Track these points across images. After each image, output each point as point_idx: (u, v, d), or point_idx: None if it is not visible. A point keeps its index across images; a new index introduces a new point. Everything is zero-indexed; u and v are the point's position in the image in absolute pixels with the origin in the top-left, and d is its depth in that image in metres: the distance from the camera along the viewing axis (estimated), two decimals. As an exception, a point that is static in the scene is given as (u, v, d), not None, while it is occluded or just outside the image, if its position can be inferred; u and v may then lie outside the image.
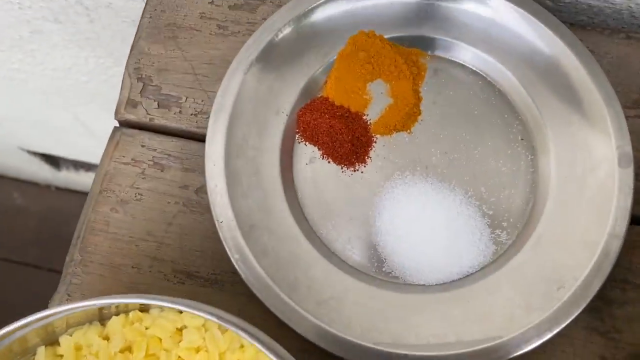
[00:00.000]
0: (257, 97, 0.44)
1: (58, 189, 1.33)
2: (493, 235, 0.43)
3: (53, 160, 1.22)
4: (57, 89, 0.86)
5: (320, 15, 0.46)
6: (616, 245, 0.40)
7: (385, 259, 0.42)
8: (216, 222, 0.41)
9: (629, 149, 0.42)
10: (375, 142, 0.45)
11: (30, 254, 1.28)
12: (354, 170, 0.44)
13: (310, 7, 0.45)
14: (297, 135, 0.45)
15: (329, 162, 0.44)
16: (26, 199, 1.34)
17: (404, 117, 0.45)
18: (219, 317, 0.30)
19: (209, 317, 0.30)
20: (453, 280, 0.42)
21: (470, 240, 0.43)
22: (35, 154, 1.17)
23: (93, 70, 0.79)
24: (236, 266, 0.40)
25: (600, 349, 0.41)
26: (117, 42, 0.70)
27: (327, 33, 0.46)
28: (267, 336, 0.32)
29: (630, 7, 0.48)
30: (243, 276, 0.40)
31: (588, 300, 0.39)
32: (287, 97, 0.45)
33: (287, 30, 0.45)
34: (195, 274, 0.42)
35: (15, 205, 1.33)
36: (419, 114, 0.46)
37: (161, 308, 0.36)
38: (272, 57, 0.45)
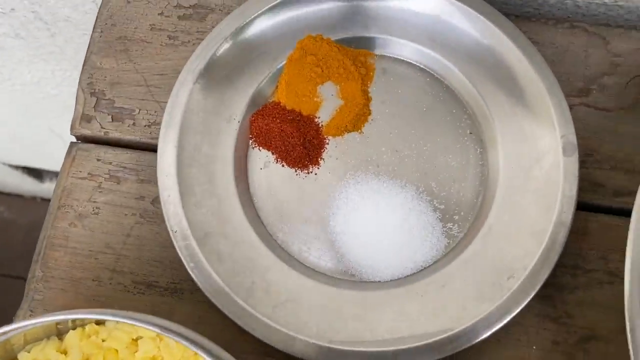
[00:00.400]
0: (207, 106, 0.45)
1: (44, 199, 1.33)
2: (445, 229, 0.44)
3: (35, 173, 1.22)
4: (29, 103, 0.87)
5: (267, 22, 0.46)
6: (563, 233, 0.41)
7: (341, 258, 0.43)
8: (170, 232, 0.41)
9: (572, 137, 0.42)
10: (328, 143, 0.46)
11: (19, 267, 1.29)
12: (308, 173, 0.45)
13: (256, 15, 0.46)
14: (250, 141, 0.46)
15: (283, 165, 0.45)
16: (12, 212, 1.34)
17: (355, 118, 0.46)
18: (163, 329, 0.31)
19: (151, 328, 0.31)
20: (407, 276, 0.42)
21: (423, 235, 0.43)
22: (17, 167, 1.17)
23: (62, 83, 0.79)
24: (192, 274, 0.41)
25: (553, 335, 0.42)
26: (81, 54, 0.71)
27: (275, 39, 0.47)
28: (215, 345, 0.33)
29: (573, -4, 0.48)
30: (199, 284, 0.40)
31: (537, 288, 0.40)
32: (238, 104, 0.45)
33: (234, 39, 0.46)
34: (154, 284, 0.43)
35: (2, 219, 1.33)
36: (369, 113, 0.46)
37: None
38: (220, 66, 0.45)
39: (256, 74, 0.46)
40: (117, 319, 0.31)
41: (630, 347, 0.35)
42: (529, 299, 0.40)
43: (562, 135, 0.42)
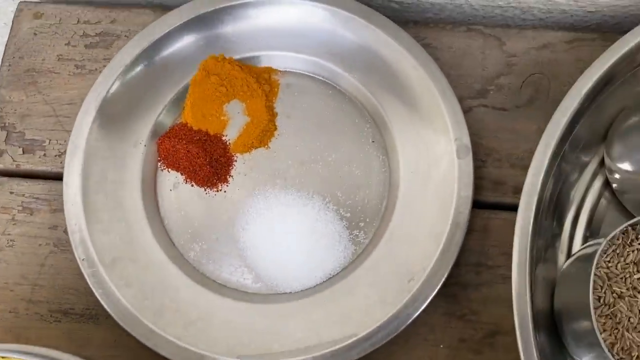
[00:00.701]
0: (112, 133, 0.45)
1: None
2: (352, 236, 0.45)
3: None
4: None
5: (168, 45, 0.47)
6: (460, 234, 0.42)
7: (253, 272, 0.44)
8: (78, 260, 0.42)
9: (466, 140, 0.44)
10: (236, 160, 0.47)
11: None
12: (217, 191, 0.46)
13: (157, 39, 0.47)
14: (159, 164, 0.47)
15: (192, 185, 0.46)
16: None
17: (261, 134, 0.47)
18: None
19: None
20: (317, 285, 0.44)
21: (330, 244, 0.44)
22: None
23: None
24: (100, 300, 0.41)
25: (460, 332, 0.43)
26: None
27: (178, 61, 0.48)
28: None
29: (468, 1, 0.50)
30: (108, 309, 0.41)
31: (436, 289, 0.41)
32: (143, 128, 0.46)
33: (136, 64, 0.46)
34: (70, 312, 0.44)
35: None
36: (275, 129, 0.47)
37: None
38: (124, 92, 0.46)
39: (161, 97, 0.47)
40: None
41: (519, 342, 0.36)
42: (428, 301, 0.41)
43: (455, 138, 0.44)
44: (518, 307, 0.37)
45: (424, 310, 0.42)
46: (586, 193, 0.45)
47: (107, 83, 0.46)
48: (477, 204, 0.45)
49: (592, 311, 0.36)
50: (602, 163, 0.45)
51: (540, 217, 0.41)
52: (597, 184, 0.45)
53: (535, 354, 0.36)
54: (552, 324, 0.41)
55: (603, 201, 0.45)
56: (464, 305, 0.43)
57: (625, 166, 0.44)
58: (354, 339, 0.40)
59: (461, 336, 0.43)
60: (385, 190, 0.46)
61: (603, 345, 0.36)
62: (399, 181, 0.45)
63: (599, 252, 0.37)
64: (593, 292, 0.38)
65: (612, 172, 0.44)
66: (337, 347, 0.40)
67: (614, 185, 0.44)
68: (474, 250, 0.44)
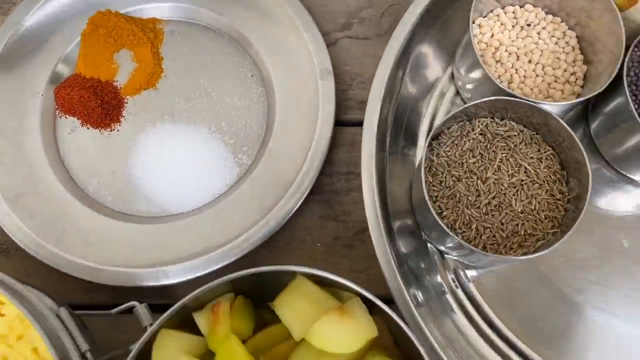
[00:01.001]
0: (10, 85, 0.50)
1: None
2: (236, 159, 0.50)
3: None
4: None
5: (59, 4, 0.52)
6: (324, 144, 0.47)
7: (146, 199, 0.49)
8: (-17, 197, 0.46)
9: (328, 64, 0.49)
10: (127, 102, 0.51)
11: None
12: (111, 130, 0.51)
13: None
14: (57, 111, 0.51)
15: (88, 128, 0.51)
16: None
17: (148, 77, 0.52)
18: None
19: None
20: (206, 204, 0.49)
21: (217, 168, 0.50)
22: None
23: None
24: (6, 231, 0.46)
25: (334, 231, 0.48)
26: None
27: (69, 17, 0.52)
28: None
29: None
30: (12, 237, 0.46)
31: (305, 194, 0.46)
32: (40, 80, 0.51)
33: (31, 22, 0.51)
34: (-18, 248, 0.48)
35: None
36: (162, 71, 0.52)
37: None
38: (19, 47, 0.51)
39: (55, 51, 0.51)
40: None
41: (373, 238, 0.42)
42: (299, 204, 0.46)
43: (318, 63, 0.49)
44: (369, 209, 0.43)
45: (302, 215, 0.48)
46: (439, 105, 0.51)
47: (2, 41, 0.50)
48: (345, 122, 0.51)
49: (425, 191, 0.42)
50: (452, 76, 0.51)
51: (387, 131, 0.47)
52: (450, 94, 0.51)
53: (386, 247, 0.42)
54: (416, 222, 0.47)
55: (455, 109, 0.51)
56: (337, 209, 0.49)
57: (474, 75, 0.49)
58: (236, 240, 0.45)
59: (335, 235, 0.48)
60: (264, 117, 0.51)
61: (437, 218, 0.41)
62: (275, 108, 0.50)
63: (426, 143, 0.43)
64: (434, 178, 0.44)
65: (460, 81, 0.50)
66: (221, 249, 0.45)
67: (464, 95, 0.50)
68: (343, 162, 0.50)
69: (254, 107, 0.51)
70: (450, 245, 0.44)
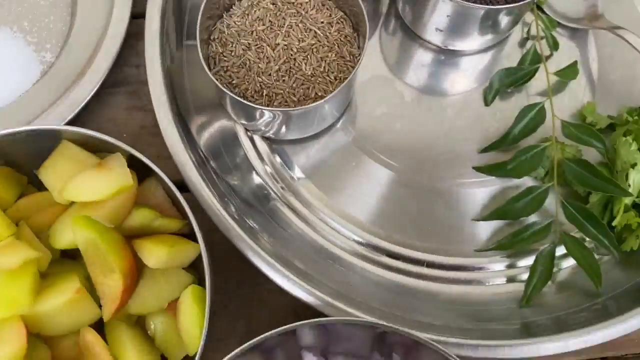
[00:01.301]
0: None
1: None
2: (39, 57, 0.48)
3: None
4: None
5: None
6: (119, 36, 0.47)
7: None
8: None
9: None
10: None
11: None
12: None
13: None
14: None
15: None
16: None
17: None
18: None
19: None
20: (9, 104, 0.47)
21: (19, 66, 0.48)
22: None
23: None
24: None
25: (140, 121, 0.47)
26: None
27: None
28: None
29: None
30: None
31: (101, 80, 0.45)
32: None
33: None
34: None
35: None
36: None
37: None
38: None
39: None
40: None
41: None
42: (94, 91, 0.45)
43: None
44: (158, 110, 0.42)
45: (107, 107, 0.47)
46: None
47: None
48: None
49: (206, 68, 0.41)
50: None
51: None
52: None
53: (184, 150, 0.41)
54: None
55: None
56: (144, 99, 0.48)
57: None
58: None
59: (142, 124, 0.47)
60: (69, 14, 0.49)
61: (222, 87, 0.40)
62: (77, 5, 0.49)
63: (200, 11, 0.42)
64: (225, 48, 0.43)
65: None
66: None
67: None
68: (135, 53, 0.49)
69: (59, 4, 0.50)
70: (251, 120, 0.43)
